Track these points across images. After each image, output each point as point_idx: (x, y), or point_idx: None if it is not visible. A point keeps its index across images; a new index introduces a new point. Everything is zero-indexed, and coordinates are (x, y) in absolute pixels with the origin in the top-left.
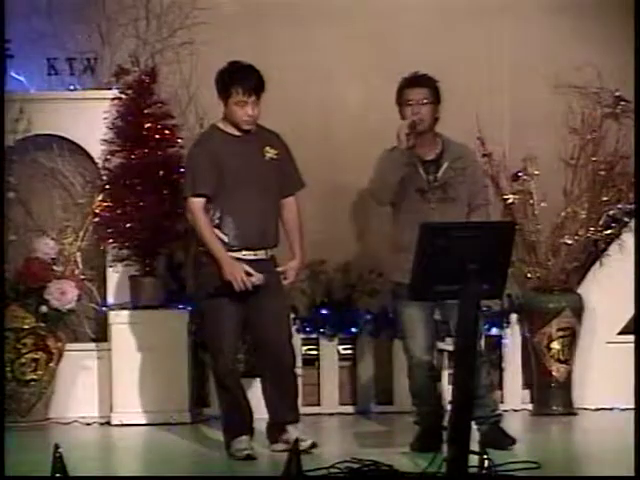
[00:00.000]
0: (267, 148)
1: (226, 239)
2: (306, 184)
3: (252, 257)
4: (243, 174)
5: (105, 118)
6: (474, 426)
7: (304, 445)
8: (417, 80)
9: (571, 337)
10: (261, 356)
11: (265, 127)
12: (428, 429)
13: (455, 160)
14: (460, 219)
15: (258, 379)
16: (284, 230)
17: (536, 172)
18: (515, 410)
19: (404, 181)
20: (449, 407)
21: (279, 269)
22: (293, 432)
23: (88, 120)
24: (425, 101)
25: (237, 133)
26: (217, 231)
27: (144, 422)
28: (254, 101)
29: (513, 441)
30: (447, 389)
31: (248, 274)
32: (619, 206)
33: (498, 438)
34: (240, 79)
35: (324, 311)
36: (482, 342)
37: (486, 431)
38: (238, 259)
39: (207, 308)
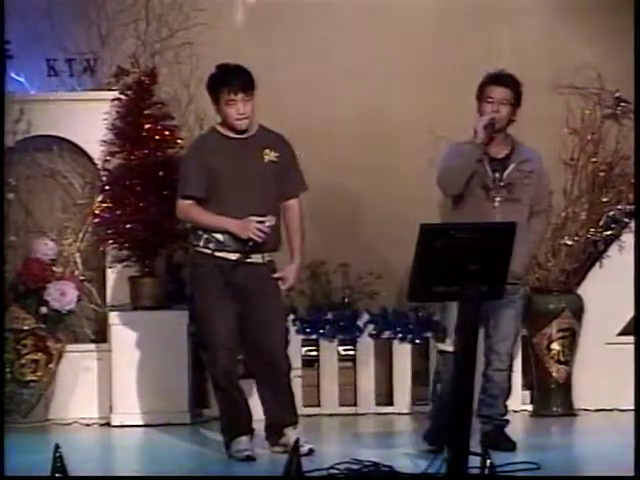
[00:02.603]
0: (267, 150)
1: (221, 238)
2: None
3: (246, 260)
4: (238, 176)
5: (105, 119)
6: (477, 424)
7: (301, 450)
8: (502, 79)
9: (571, 338)
10: (255, 361)
11: (268, 129)
12: (441, 428)
13: (523, 162)
14: (522, 220)
15: None
16: (285, 232)
17: None
18: (515, 411)
19: (470, 177)
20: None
21: (277, 275)
22: (291, 435)
23: (88, 121)
24: (506, 101)
25: (235, 135)
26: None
27: (144, 423)
28: (243, 99)
29: (514, 446)
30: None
31: (259, 222)
32: (619, 207)
33: (499, 440)
34: (226, 79)
35: (324, 312)
36: (515, 345)
37: (488, 431)
38: (233, 260)
39: (204, 309)
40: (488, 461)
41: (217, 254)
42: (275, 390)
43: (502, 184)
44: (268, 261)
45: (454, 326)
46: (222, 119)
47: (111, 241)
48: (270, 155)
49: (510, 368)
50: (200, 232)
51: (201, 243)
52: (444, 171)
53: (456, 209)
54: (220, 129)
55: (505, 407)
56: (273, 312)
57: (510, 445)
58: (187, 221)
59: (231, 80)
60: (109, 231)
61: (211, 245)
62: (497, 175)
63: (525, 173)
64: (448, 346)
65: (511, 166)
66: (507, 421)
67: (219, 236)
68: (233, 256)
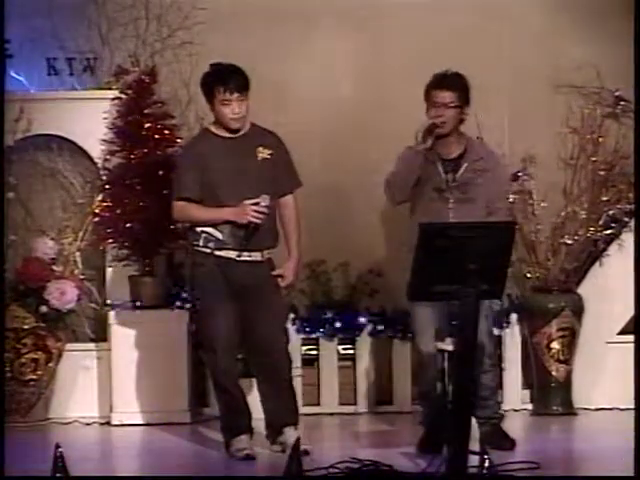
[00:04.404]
0: (260, 148)
1: (220, 236)
2: (303, 183)
3: (246, 258)
4: (233, 175)
5: (105, 118)
6: (475, 426)
7: None
8: (445, 82)
9: (571, 337)
10: (256, 360)
11: (261, 127)
12: (434, 430)
13: (476, 161)
14: (478, 220)
15: None
16: (282, 229)
17: (536, 172)
18: (515, 410)
19: (422, 180)
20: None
21: (276, 272)
22: (290, 435)
23: (88, 120)
24: (451, 104)
25: (228, 135)
26: (211, 229)
27: (144, 422)
28: (238, 98)
29: (513, 443)
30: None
31: (253, 204)
32: (619, 206)
33: (498, 439)
34: (221, 79)
35: (324, 311)
36: (493, 344)
37: (487, 431)
38: (231, 259)
39: (204, 308)
40: (487, 460)
41: (217, 253)
42: (275, 388)
43: (455, 184)
44: (267, 259)
45: (421, 327)
46: (216, 118)
47: (111, 240)
48: (264, 153)
49: (494, 367)
50: (198, 230)
51: (200, 242)
52: (387, 180)
53: (412, 213)
54: (213, 129)
55: (498, 404)
56: (273, 310)
57: (509, 442)
58: (183, 221)
59: (227, 80)
60: (109, 230)
61: (211, 244)
62: (450, 176)
63: (479, 172)
64: (448, 345)
65: (464, 166)
66: (502, 416)
67: (218, 234)
68: (233, 254)
